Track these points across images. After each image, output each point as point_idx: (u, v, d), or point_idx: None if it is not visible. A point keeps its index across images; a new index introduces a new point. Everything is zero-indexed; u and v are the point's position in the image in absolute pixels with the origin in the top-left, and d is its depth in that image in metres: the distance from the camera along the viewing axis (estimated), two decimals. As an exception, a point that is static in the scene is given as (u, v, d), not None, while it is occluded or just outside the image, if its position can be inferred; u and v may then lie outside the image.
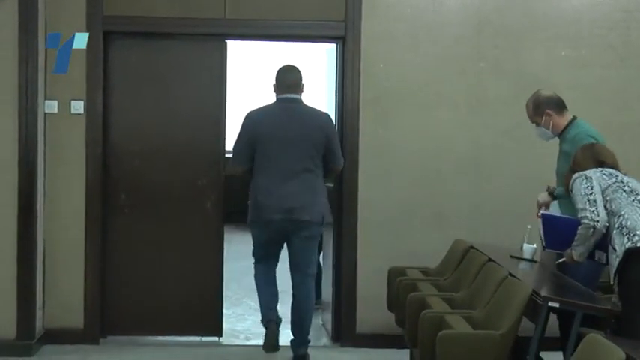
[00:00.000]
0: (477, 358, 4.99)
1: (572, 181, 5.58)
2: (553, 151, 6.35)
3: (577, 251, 5.51)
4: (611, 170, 5.59)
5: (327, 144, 6.79)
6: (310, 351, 7.00)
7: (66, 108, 7.21)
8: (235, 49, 8.22)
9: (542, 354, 5.21)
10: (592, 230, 5.38)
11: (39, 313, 7.14)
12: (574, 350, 4.33)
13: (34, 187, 7.04)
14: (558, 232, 5.70)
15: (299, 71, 6.90)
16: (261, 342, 7.03)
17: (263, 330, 6.99)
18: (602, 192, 5.45)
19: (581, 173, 5.57)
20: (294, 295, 6.91)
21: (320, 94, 8.43)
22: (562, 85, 7.18)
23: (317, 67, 9.56)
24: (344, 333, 7.44)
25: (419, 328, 5.43)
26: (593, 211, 5.38)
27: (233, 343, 7.53)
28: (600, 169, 5.59)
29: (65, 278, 7.26)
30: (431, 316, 5.43)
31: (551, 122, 6.21)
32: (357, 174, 7.37)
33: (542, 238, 5.87)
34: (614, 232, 5.34)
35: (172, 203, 7.48)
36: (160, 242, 7.48)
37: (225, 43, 7.52)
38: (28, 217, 7.00)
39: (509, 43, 7.41)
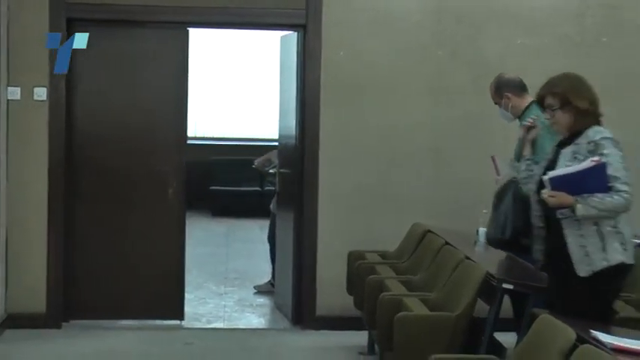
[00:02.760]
0: (434, 339, 5.10)
1: (600, 135, 4.88)
2: (511, 134, 6.41)
3: (588, 212, 4.76)
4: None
5: None
6: (270, 334, 7.44)
7: (29, 95, 7.20)
8: (198, 36, 8.27)
9: (497, 334, 5.30)
10: (624, 209, 4.77)
11: (1, 298, 7.15)
12: (527, 330, 4.45)
13: (-3, 173, 7.05)
14: (584, 182, 4.79)
15: None
16: (222, 325, 7.67)
17: (224, 313, 7.87)
18: None
19: (612, 136, 4.88)
20: None
21: (274, 81, 8.47)
22: (518, 73, 7.27)
23: (272, 54, 9.58)
24: (304, 316, 7.52)
25: (377, 310, 5.55)
26: (632, 192, 4.76)
27: (195, 327, 7.59)
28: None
29: (28, 263, 7.28)
30: (389, 298, 5.54)
31: (510, 104, 6.24)
32: (317, 159, 7.44)
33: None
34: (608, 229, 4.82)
35: (135, 189, 7.52)
36: (122, 228, 7.52)
37: (188, 30, 7.56)
38: (-9, 202, 7.01)
39: (467, 31, 7.52)
